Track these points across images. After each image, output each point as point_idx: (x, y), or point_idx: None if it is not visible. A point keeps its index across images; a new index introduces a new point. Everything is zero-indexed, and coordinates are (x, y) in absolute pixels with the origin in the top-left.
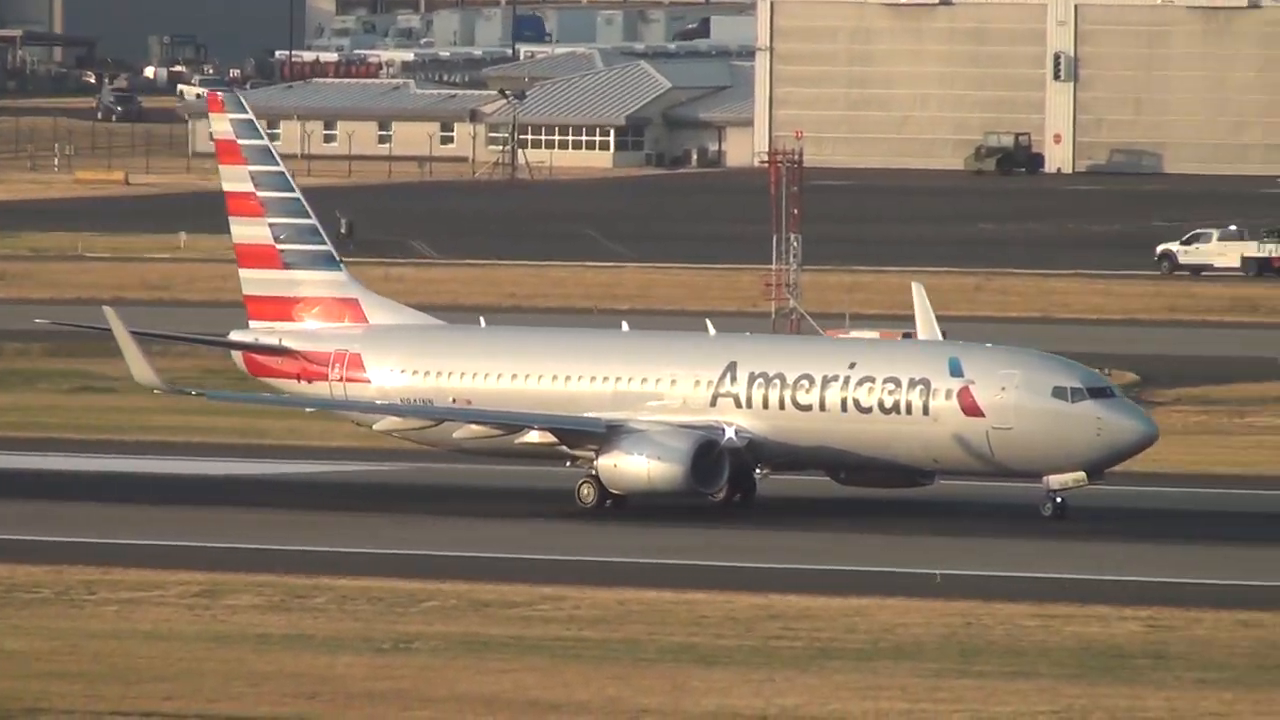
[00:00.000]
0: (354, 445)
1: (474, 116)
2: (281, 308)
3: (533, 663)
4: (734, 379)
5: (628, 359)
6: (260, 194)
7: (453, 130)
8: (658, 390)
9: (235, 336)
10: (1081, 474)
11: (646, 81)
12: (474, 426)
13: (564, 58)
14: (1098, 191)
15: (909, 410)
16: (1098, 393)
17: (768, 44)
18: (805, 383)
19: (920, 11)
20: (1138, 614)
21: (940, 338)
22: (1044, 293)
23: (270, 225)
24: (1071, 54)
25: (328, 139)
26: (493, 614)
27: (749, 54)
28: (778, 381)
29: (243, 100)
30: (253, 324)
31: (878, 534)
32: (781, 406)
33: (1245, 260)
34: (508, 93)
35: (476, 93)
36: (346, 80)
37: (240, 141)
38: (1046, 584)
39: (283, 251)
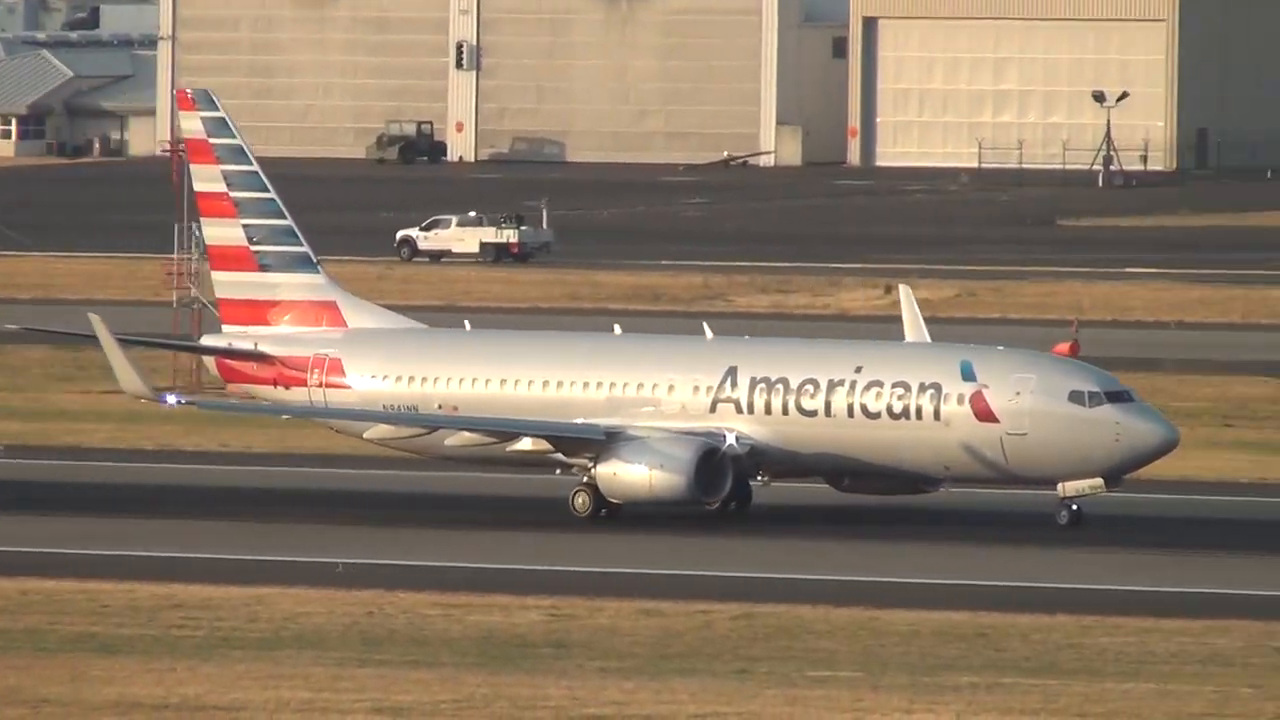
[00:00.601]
0: None
1: None
2: (256, 311)
3: None
4: (734, 384)
5: (622, 364)
6: (233, 194)
7: None
8: (655, 396)
9: (208, 341)
10: (1099, 480)
11: (48, 70)
12: (467, 434)
13: None
14: (499, 179)
15: (919, 415)
16: (1115, 396)
17: (170, 33)
18: (810, 387)
19: (323, 0)
20: (540, 603)
21: (928, 340)
22: (447, 281)
23: (244, 226)
24: (474, 42)
25: None
26: None
27: (152, 43)
28: (780, 386)
29: (214, 98)
30: (226, 328)
31: (280, 523)
32: (785, 412)
33: (484, 245)
34: None
35: None
36: None
37: (212, 140)
38: (449, 573)
39: (257, 253)
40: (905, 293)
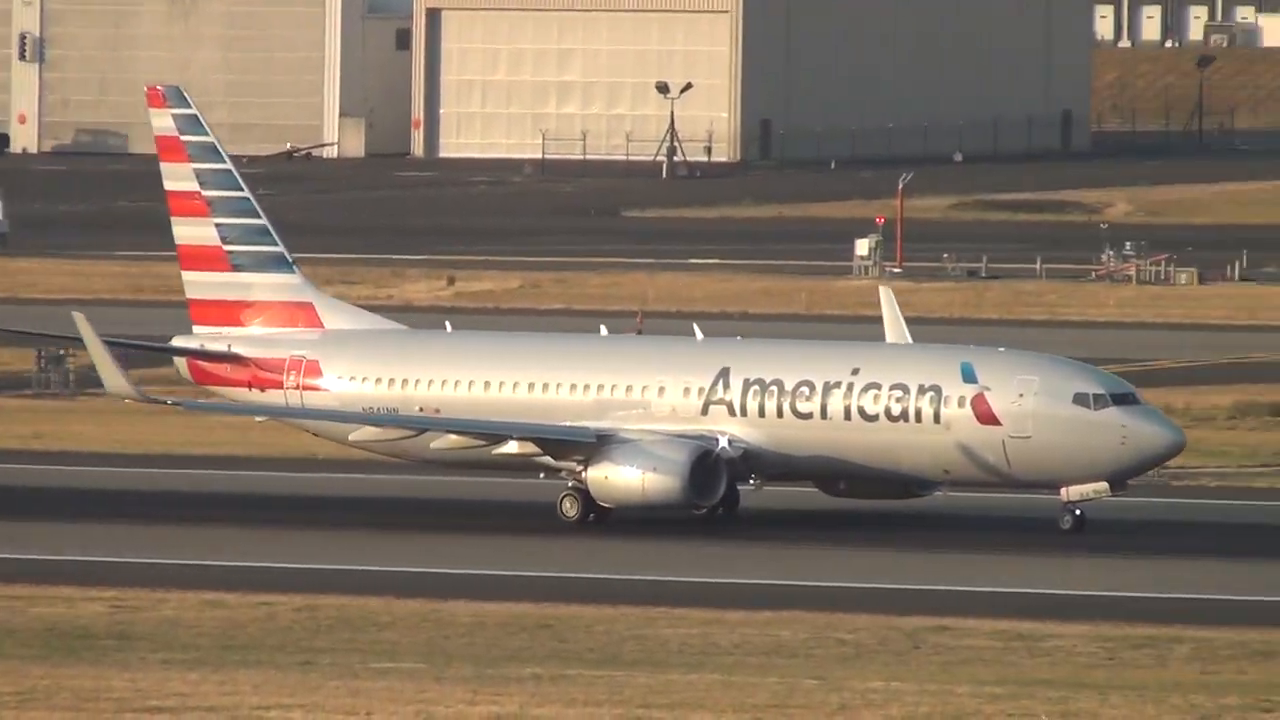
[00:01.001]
0: None
1: None
2: (229, 312)
3: None
4: (727, 386)
5: (610, 365)
6: (205, 193)
7: None
8: (644, 398)
9: (179, 343)
10: (1103, 484)
11: None
12: (454, 437)
13: None
14: (65, 172)
15: (918, 418)
16: (1121, 399)
17: None
18: (805, 389)
19: None
20: (103, 595)
21: (909, 341)
22: (7, 274)
23: (217, 225)
24: (38, 34)
25: None
26: None
27: None
28: (775, 388)
29: (185, 95)
30: (197, 329)
31: None
32: (779, 414)
33: None
34: None
35: None
36: None
37: (183, 138)
38: (10, 564)
39: (230, 253)
40: (885, 294)
